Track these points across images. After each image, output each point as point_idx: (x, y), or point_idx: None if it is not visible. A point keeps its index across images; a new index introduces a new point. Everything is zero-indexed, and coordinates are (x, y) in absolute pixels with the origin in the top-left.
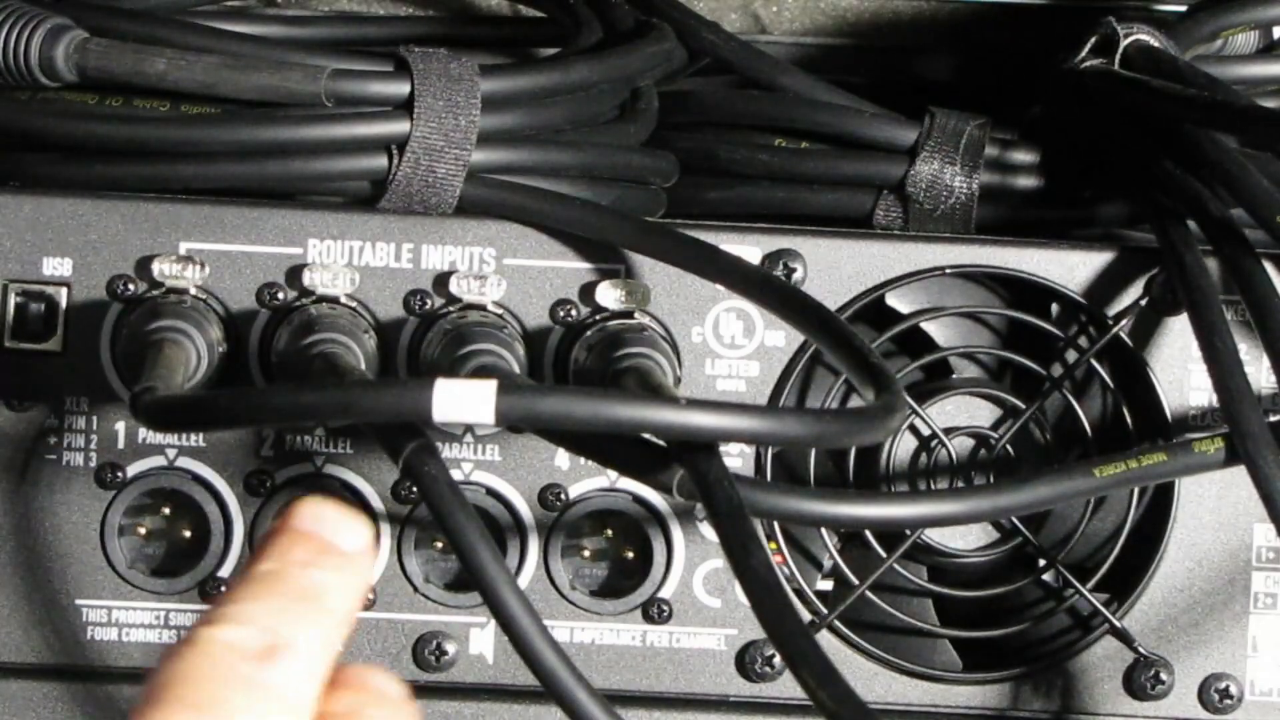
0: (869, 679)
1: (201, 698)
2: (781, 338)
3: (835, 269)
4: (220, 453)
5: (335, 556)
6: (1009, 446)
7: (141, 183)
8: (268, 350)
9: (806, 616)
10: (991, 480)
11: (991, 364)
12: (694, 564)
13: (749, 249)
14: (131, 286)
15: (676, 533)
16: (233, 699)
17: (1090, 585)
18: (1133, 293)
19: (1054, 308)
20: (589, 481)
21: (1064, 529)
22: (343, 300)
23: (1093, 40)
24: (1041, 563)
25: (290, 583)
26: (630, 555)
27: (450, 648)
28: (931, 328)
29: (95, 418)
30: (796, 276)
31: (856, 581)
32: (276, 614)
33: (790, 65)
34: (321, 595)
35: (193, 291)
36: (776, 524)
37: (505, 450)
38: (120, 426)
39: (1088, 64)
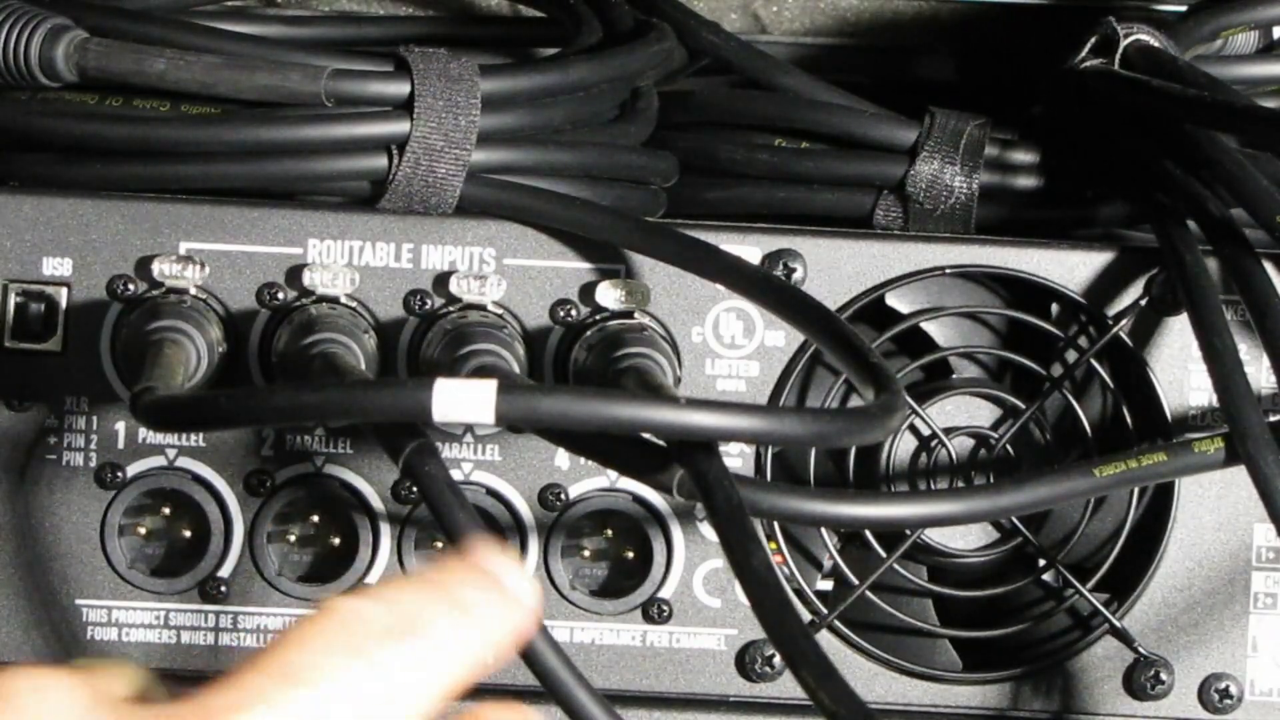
0: (869, 679)
1: (298, 664)
2: (781, 338)
3: (835, 269)
4: (220, 453)
5: (499, 589)
6: (1009, 446)
7: (141, 183)
8: (268, 350)
9: (806, 616)
10: (991, 480)
11: (991, 364)
12: (694, 564)
13: (749, 249)
14: (131, 286)
15: (676, 533)
16: (332, 669)
17: (1090, 585)
18: (1133, 293)
19: (1054, 308)
20: (589, 481)
21: (1064, 529)
22: (343, 300)
23: (1093, 40)
24: (1041, 563)
25: (444, 588)
26: (630, 555)
27: None
28: (931, 328)
29: (95, 418)
30: (796, 276)
31: (856, 581)
32: (420, 604)
33: (790, 65)
34: (472, 608)
35: (193, 291)
36: (776, 524)
37: (505, 450)
38: (120, 426)
39: (1088, 64)
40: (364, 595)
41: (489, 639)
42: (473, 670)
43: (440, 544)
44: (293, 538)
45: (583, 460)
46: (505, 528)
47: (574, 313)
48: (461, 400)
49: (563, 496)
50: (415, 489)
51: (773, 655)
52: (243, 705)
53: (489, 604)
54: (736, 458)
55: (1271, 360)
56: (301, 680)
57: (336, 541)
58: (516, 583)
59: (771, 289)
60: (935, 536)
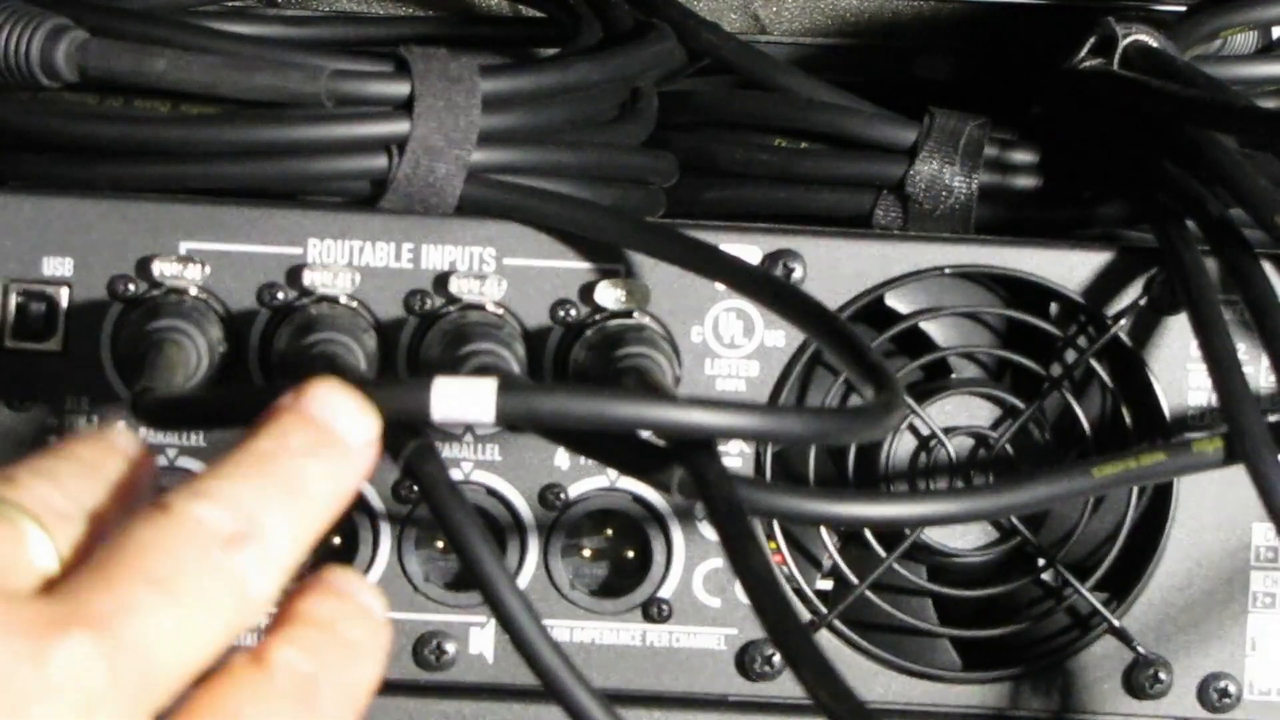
0: (869, 679)
1: (162, 572)
2: (781, 337)
3: (835, 269)
4: (220, 452)
5: (334, 448)
6: (1008, 446)
7: (141, 183)
8: (268, 350)
9: (806, 616)
10: (991, 480)
11: (991, 364)
12: (694, 564)
13: (749, 249)
14: (132, 286)
15: (676, 533)
16: (192, 579)
17: (1089, 585)
18: (1132, 293)
19: (1053, 308)
20: (589, 481)
21: (1063, 529)
22: (343, 300)
23: (1092, 40)
24: (1041, 562)
25: (279, 468)
26: (630, 555)
27: (450, 647)
28: (931, 328)
29: (96, 418)
30: (796, 276)
31: (856, 581)
32: (256, 499)
33: (790, 65)
34: (308, 487)
35: (193, 291)
36: (776, 524)
37: (505, 450)
38: (121, 426)
39: (1087, 64)
40: (205, 498)
41: (330, 511)
42: (313, 540)
43: (440, 544)
44: None
45: (583, 460)
46: (505, 528)
47: (574, 313)
48: (461, 399)
49: (563, 496)
50: (415, 489)
51: (773, 655)
52: (118, 613)
53: (326, 477)
54: (736, 458)
55: (1271, 360)
56: (165, 588)
57: (336, 541)
58: (356, 426)
59: (771, 289)
60: (935, 536)
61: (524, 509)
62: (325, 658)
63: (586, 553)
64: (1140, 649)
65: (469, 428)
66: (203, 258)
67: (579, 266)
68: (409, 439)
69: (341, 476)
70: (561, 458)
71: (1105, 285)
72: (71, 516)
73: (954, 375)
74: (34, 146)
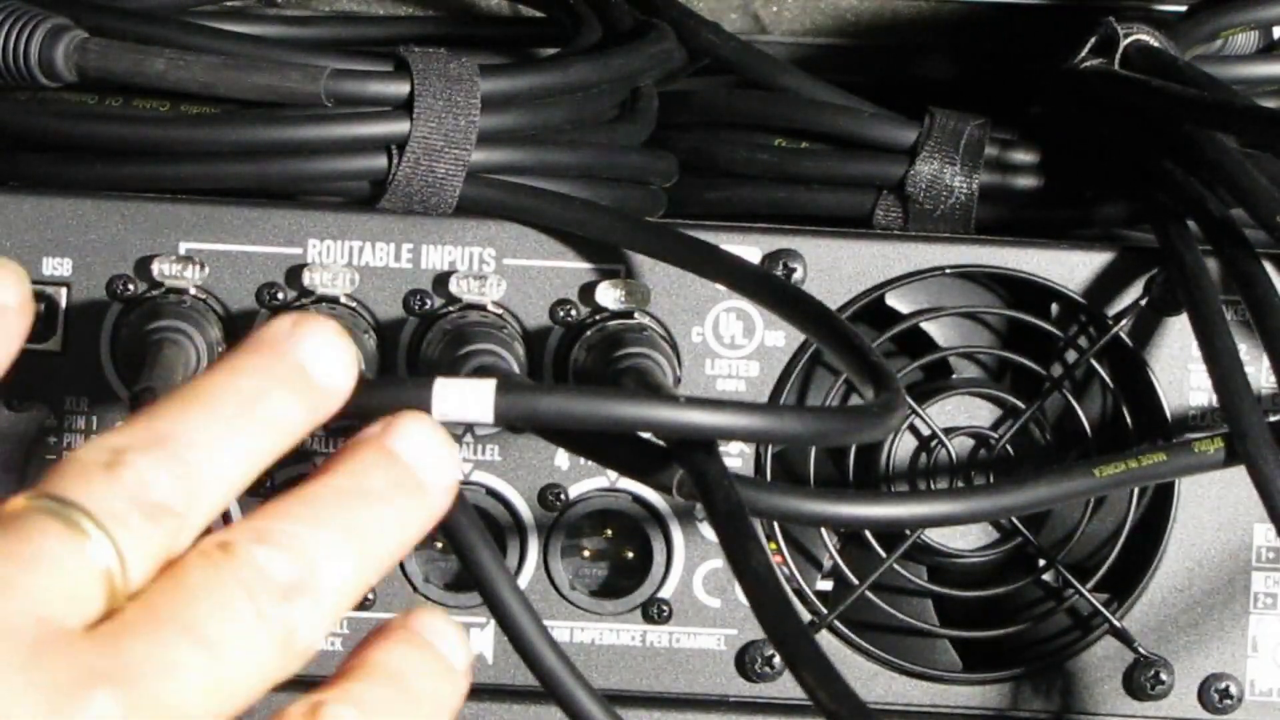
0: (869, 679)
1: (208, 625)
2: (781, 338)
3: (835, 269)
4: None
5: (413, 495)
6: (1009, 446)
7: (141, 183)
8: None
9: (806, 616)
10: (991, 480)
11: (991, 364)
12: (694, 564)
13: (749, 249)
14: (131, 286)
15: (676, 533)
16: (238, 634)
17: (1090, 585)
18: (1133, 293)
19: (1054, 308)
20: (589, 481)
21: (1064, 529)
22: (342, 300)
23: (1093, 40)
24: (1041, 563)
25: (352, 511)
26: (630, 555)
27: None
28: (931, 328)
29: (95, 418)
30: (796, 276)
31: (856, 581)
32: (321, 545)
33: (790, 65)
34: (378, 535)
35: (192, 291)
36: (776, 524)
37: (505, 450)
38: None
39: (1088, 64)
40: (267, 540)
41: (393, 560)
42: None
43: (440, 544)
44: None
45: (583, 460)
46: (505, 528)
47: (574, 313)
48: (461, 400)
49: (563, 496)
50: None
51: (773, 655)
52: (153, 673)
53: (397, 523)
54: (736, 458)
55: (1271, 360)
56: (208, 643)
57: None
58: (438, 468)
59: (771, 289)
60: (935, 536)
61: (524, 509)
62: (386, 716)
63: (586, 553)
64: (1141, 650)
65: (469, 428)
66: (202, 258)
67: (579, 266)
68: None
69: (415, 524)
70: (561, 458)
71: (1106, 285)
72: (172, 508)
73: (954, 375)
74: (34, 146)
